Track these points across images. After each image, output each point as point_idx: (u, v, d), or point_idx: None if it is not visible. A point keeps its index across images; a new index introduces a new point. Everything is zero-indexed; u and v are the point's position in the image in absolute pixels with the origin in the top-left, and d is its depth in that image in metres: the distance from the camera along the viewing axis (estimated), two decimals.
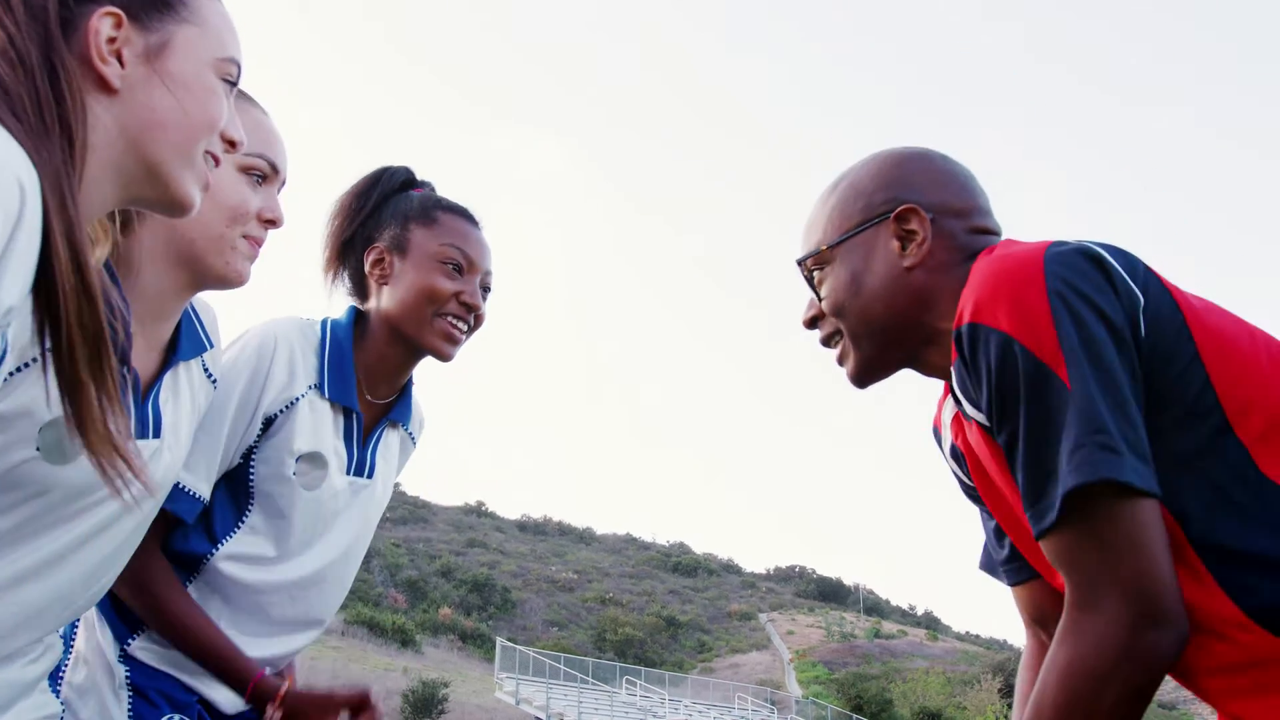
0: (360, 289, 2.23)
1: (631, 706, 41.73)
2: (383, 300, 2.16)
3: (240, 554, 2.04)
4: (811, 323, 1.77)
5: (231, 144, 1.40)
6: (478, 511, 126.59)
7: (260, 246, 1.81)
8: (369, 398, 2.19)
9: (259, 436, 2.04)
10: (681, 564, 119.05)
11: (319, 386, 2.09)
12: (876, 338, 1.68)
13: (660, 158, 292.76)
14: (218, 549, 2.03)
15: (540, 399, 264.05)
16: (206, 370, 1.92)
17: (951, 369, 1.48)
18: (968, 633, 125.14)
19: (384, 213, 2.22)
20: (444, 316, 2.13)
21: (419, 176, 2.31)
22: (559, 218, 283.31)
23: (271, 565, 2.07)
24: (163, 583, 1.99)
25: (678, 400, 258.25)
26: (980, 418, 1.45)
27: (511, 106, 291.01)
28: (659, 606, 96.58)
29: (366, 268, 2.19)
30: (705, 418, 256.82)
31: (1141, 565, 1.25)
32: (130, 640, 2.02)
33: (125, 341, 1.66)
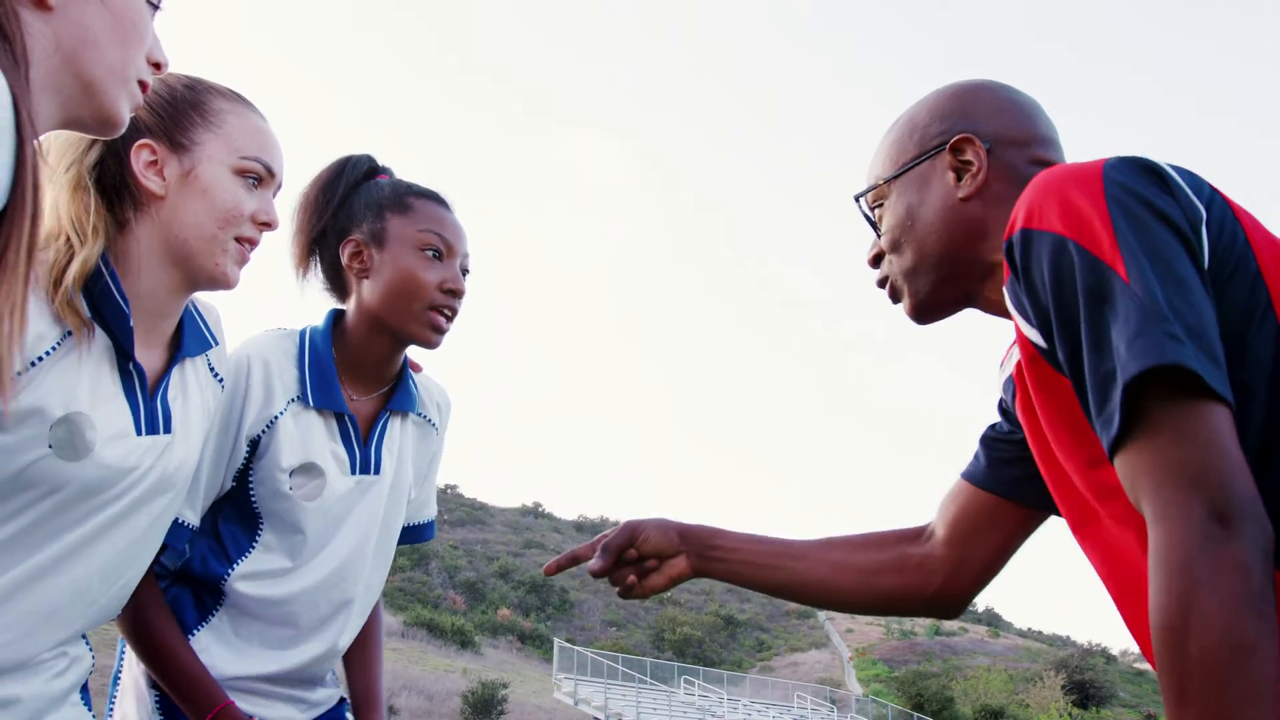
0: (337, 284, 2.21)
1: (690, 706, 41.66)
2: (364, 293, 2.13)
3: (256, 571, 2.06)
4: (875, 261, 1.73)
5: (157, 66, 1.38)
6: (535, 513, 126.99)
7: (254, 247, 1.81)
8: (357, 396, 2.18)
9: (248, 457, 2.05)
10: None
11: (301, 398, 2.09)
12: (933, 272, 1.63)
13: (719, 158, 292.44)
14: (233, 569, 2.05)
15: (595, 400, 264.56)
16: (213, 369, 1.94)
17: (1004, 289, 1.41)
18: (1030, 629, 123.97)
19: (354, 203, 2.18)
20: (430, 308, 2.10)
21: (380, 163, 2.28)
22: (615, 219, 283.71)
23: (288, 575, 2.08)
24: (143, 598, 1.97)
25: (734, 399, 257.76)
26: (1037, 336, 1.36)
27: (566, 108, 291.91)
28: (717, 605, 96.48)
29: (345, 261, 2.15)
30: (762, 416, 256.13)
31: (1210, 461, 1.15)
32: None
33: (126, 335, 1.69)
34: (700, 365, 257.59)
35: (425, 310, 2.10)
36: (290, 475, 2.06)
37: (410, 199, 2.16)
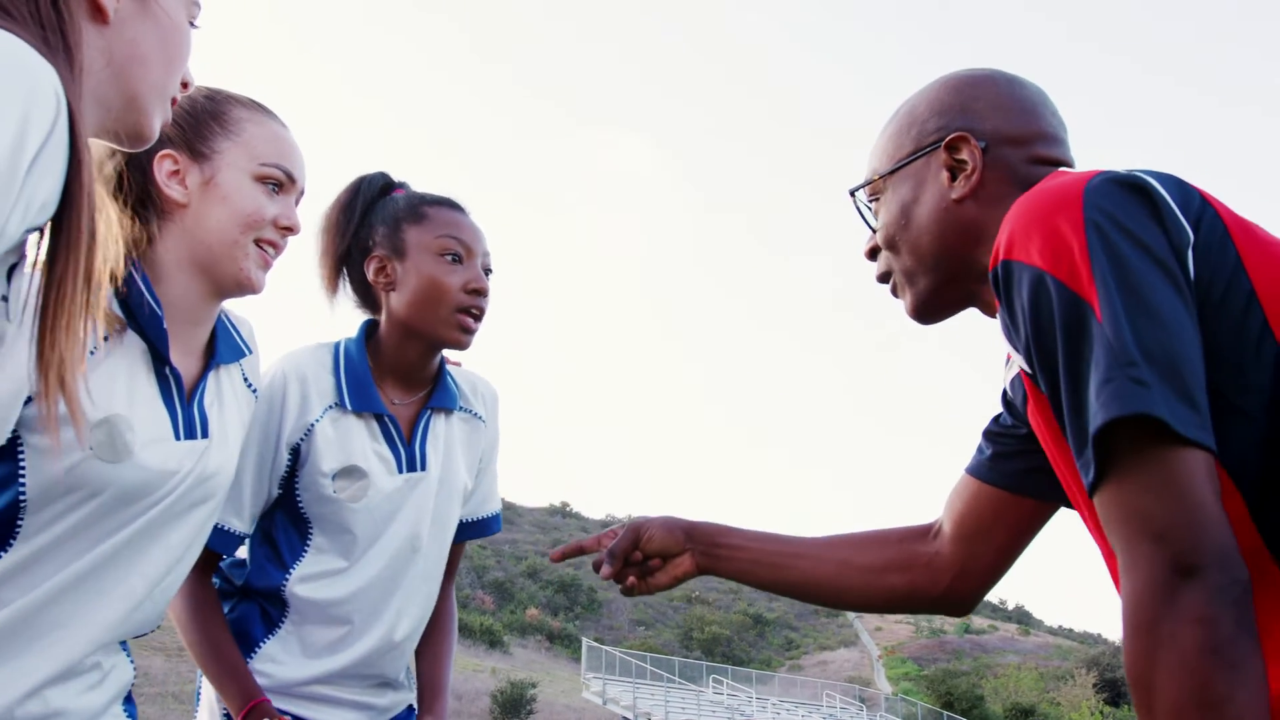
0: (367, 299, 2.27)
1: (719, 705, 41.64)
2: (392, 304, 2.19)
3: (312, 573, 2.14)
4: (872, 254, 1.70)
5: (184, 85, 1.41)
6: (562, 512, 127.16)
7: (277, 252, 1.85)
8: (399, 400, 2.24)
9: (290, 465, 2.12)
10: None
11: (339, 403, 2.15)
12: (930, 273, 1.59)
13: (748, 156, 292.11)
14: (290, 574, 2.13)
15: (623, 399, 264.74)
16: (246, 380, 1.98)
17: (997, 314, 1.39)
18: (1060, 627, 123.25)
19: (373, 220, 2.24)
20: (457, 310, 2.15)
21: (395, 178, 2.32)
22: (643, 217, 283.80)
23: (343, 575, 2.15)
24: (197, 595, 2.09)
25: (760, 398, 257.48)
26: (1024, 364, 1.34)
27: (596, 106, 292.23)
28: (745, 604, 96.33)
29: (370, 276, 2.21)
30: (788, 415, 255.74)
31: (1176, 513, 1.12)
32: None
33: (161, 339, 1.72)
34: (729, 363, 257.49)
35: (452, 313, 2.15)
36: (333, 479, 2.12)
37: (425, 208, 2.21)
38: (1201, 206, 1.30)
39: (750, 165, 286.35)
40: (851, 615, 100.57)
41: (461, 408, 2.34)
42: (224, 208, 1.77)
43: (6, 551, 1.56)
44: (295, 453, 2.12)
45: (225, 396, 1.89)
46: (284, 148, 1.85)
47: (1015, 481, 1.72)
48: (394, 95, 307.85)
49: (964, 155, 1.55)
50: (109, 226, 1.67)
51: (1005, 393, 1.76)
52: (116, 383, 1.65)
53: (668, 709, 36.82)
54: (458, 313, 2.15)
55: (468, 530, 2.42)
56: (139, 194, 1.75)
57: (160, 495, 1.70)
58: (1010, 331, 1.33)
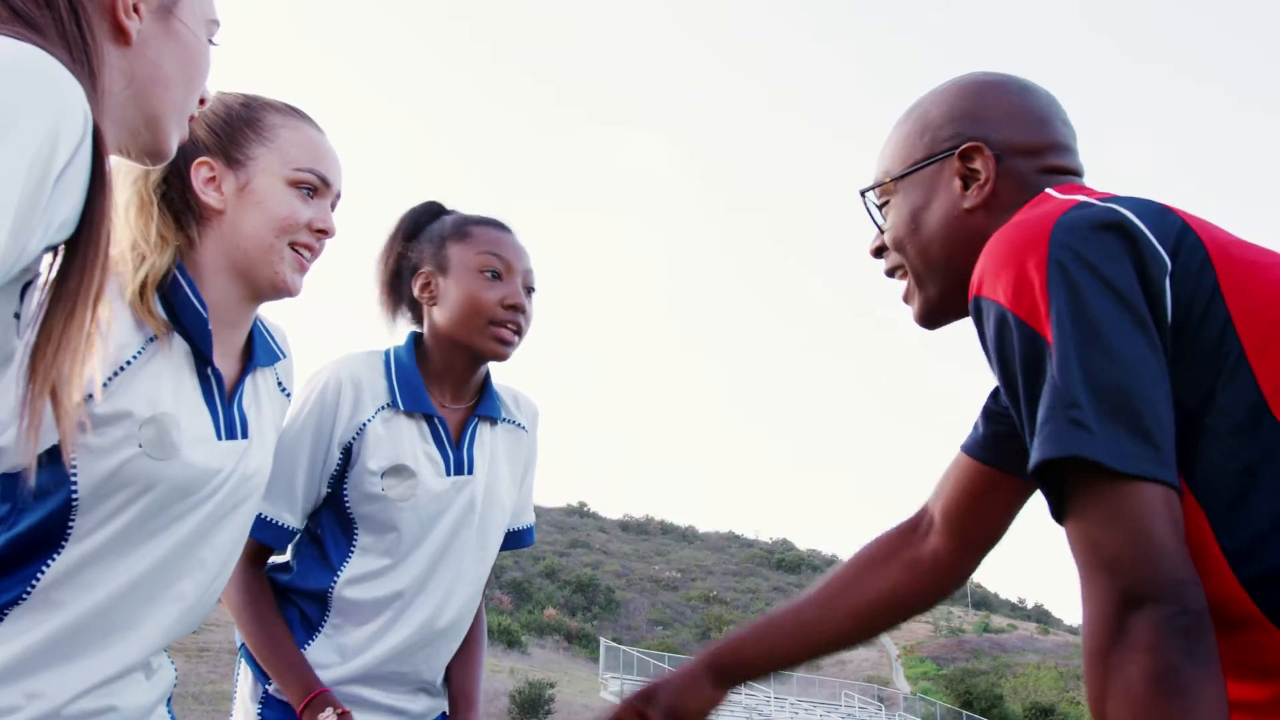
0: (417, 315, 2.34)
1: (737, 705, 41.66)
2: (435, 318, 2.27)
3: (359, 575, 2.20)
4: (877, 253, 1.70)
5: (202, 102, 1.44)
6: (580, 512, 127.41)
7: (313, 255, 1.88)
8: (446, 403, 2.30)
9: (341, 464, 2.19)
10: (785, 560, 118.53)
11: (392, 404, 2.22)
12: (938, 279, 1.59)
13: (767, 158, 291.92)
14: (338, 576, 2.19)
15: (641, 399, 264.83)
16: (280, 384, 2.02)
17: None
18: (1080, 626, 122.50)
19: (421, 240, 2.33)
20: (494, 323, 2.22)
21: (448, 206, 2.41)
22: (662, 219, 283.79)
23: (388, 574, 2.20)
24: (255, 589, 2.19)
25: (778, 397, 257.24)
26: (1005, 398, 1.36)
27: (615, 108, 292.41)
28: (763, 604, 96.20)
29: (416, 292, 2.29)
30: (806, 414, 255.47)
31: (1126, 541, 1.14)
32: (270, 682, 2.17)
33: (205, 340, 1.76)
34: (746, 364, 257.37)
35: (488, 326, 2.22)
36: (381, 477, 2.18)
37: (469, 226, 2.30)
38: (1181, 233, 1.29)
39: (768, 164, 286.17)
40: None
41: (505, 418, 2.41)
42: (259, 212, 1.80)
43: (60, 552, 1.59)
44: (346, 452, 2.18)
45: (262, 399, 1.93)
46: (318, 152, 1.88)
47: (1010, 461, 1.72)
48: (409, 96, 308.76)
49: (977, 165, 1.54)
50: (153, 231, 1.74)
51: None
52: (163, 382, 1.69)
53: None
54: (492, 325, 2.21)
55: (504, 541, 2.46)
56: (179, 200, 1.79)
57: (206, 494, 1.73)
58: (989, 359, 1.35)
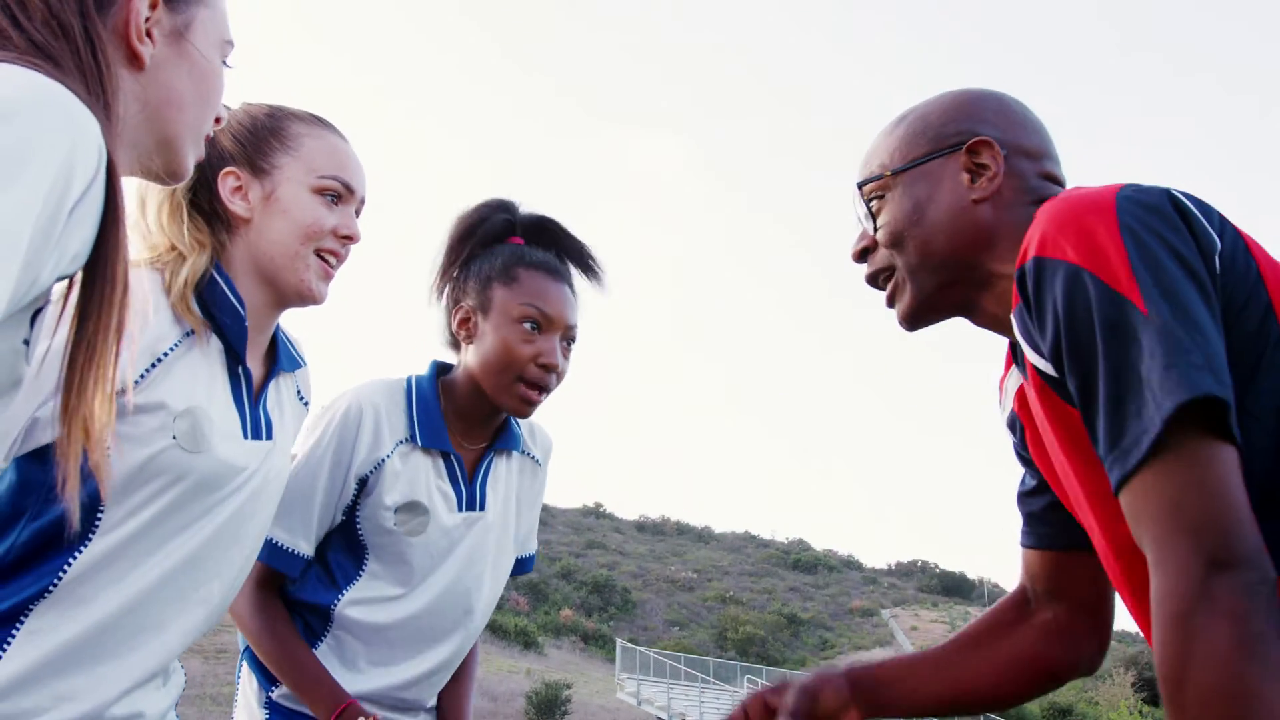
0: (452, 342, 2.32)
1: None
2: (468, 357, 2.24)
3: (365, 598, 2.19)
4: (862, 255, 1.69)
5: (218, 121, 1.47)
6: (596, 513, 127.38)
7: (339, 261, 1.91)
8: (464, 442, 2.29)
9: (356, 495, 2.17)
10: (801, 561, 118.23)
11: (410, 439, 2.21)
12: (934, 273, 1.59)
13: (777, 154, 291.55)
14: (341, 596, 2.18)
15: (656, 399, 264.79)
16: (299, 392, 2.06)
17: (1013, 316, 1.39)
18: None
19: (471, 269, 2.27)
20: (520, 380, 2.17)
21: (522, 212, 2.34)
22: (678, 218, 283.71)
23: (395, 602, 2.20)
24: (273, 609, 2.18)
25: (793, 397, 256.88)
26: (1047, 366, 1.34)
27: (630, 107, 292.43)
28: (780, 604, 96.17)
29: (454, 326, 2.26)
30: (821, 413, 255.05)
31: (1214, 509, 1.14)
32: (273, 687, 2.19)
33: (240, 338, 1.80)
34: (761, 364, 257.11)
35: (515, 382, 2.18)
36: (395, 513, 2.17)
37: (519, 270, 2.23)
38: (1222, 220, 1.34)
39: (784, 163, 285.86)
40: (886, 614, 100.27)
41: (522, 451, 2.40)
42: (284, 220, 1.84)
43: (87, 544, 1.60)
44: (362, 483, 2.17)
45: (284, 403, 1.97)
46: (341, 159, 1.91)
47: (1063, 539, 1.71)
48: (422, 94, 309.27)
49: (985, 159, 1.57)
50: (186, 234, 1.78)
51: (1016, 447, 1.75)
52: (197, 377, 1.73)
53: (702, 709, 36.79)
54: (521, 383, 2.17)
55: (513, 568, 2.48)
56: (208, 207, 1.83)
57: (230, 491, 1.76)
58: (1034, 331, 1.34)
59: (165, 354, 1.70)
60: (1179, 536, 1.15)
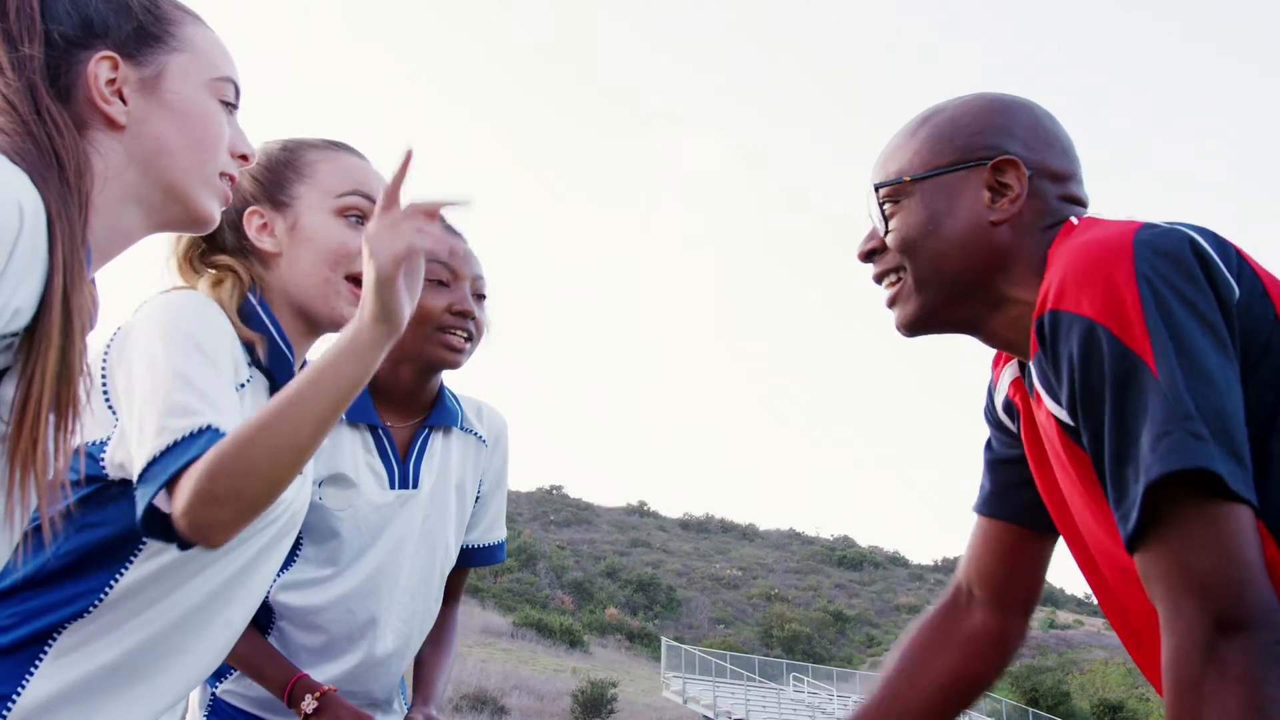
0: None
1: (799, 704, 41.51)
2: None
3: (296, 581, 2.17)
4: (869, 255, 1.66)
5: (244, 158, 1.49)
6: (640, 511, 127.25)
7: None
8: (396, 423, 2.27)
9: None
10: (847, 557, 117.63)
11: None
12: (945, 288, 1.56)
13: (823, 156, 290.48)
14: (275, 580, 2.14)
15: (699, 396, 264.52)
16: None
17: (1032, 364, 1.40)
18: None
19: None
20: (442, 330, 2.19)
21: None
22: (720, 216, 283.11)
23: (325, 584, 2.18)
24: None
25: (837, 394, 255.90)
26: (1063, 415, 1.35)
27: (672, 105, 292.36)
28: (825, 601, 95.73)
29: None
30: (866, 410, 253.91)
31: (1222, 569, 1.13)
32: (217, 683, 2.19)
33: (283, 372, 1.81)
34: (804, 361, 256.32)
35: (435, 332, 2.18)
36: (320, 486, 2.15)
37: None
38: (1239, 263, 1.33)
39: (828, 163, 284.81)
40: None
41: (462, 427, 2.37)
42: (310, 248, 1.84)
43: (129, 567, 1.62)
44: None
45: None
46: (359, 175, 1.91)
47: (1030, 513, 1.70)
48: (466, 98, 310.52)
49: (1009, 179, 1.54)
50: (219, 264, 1.81)
51: (991, 411, 1.74)
52: (251, 410, 1.74)
53: (748, 707, 36.78)
54: (439, 331, 2.18)
55: (470, 557, 2.45)
56: (240, 249, 1.86)
57: (267, 520, 1.76)
58: (1051, 380, 1.34)
59: (244, 384, 1.73)
60: (1185, 598, 1.14)
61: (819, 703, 42.28)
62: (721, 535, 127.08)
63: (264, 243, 1.84)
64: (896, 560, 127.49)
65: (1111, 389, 1.23)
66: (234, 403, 1.60)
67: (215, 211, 1.43)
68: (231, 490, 1.43)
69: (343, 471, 2.18)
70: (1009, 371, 1.68)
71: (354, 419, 2.21)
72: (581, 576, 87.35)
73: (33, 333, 1.07)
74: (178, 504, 1.44)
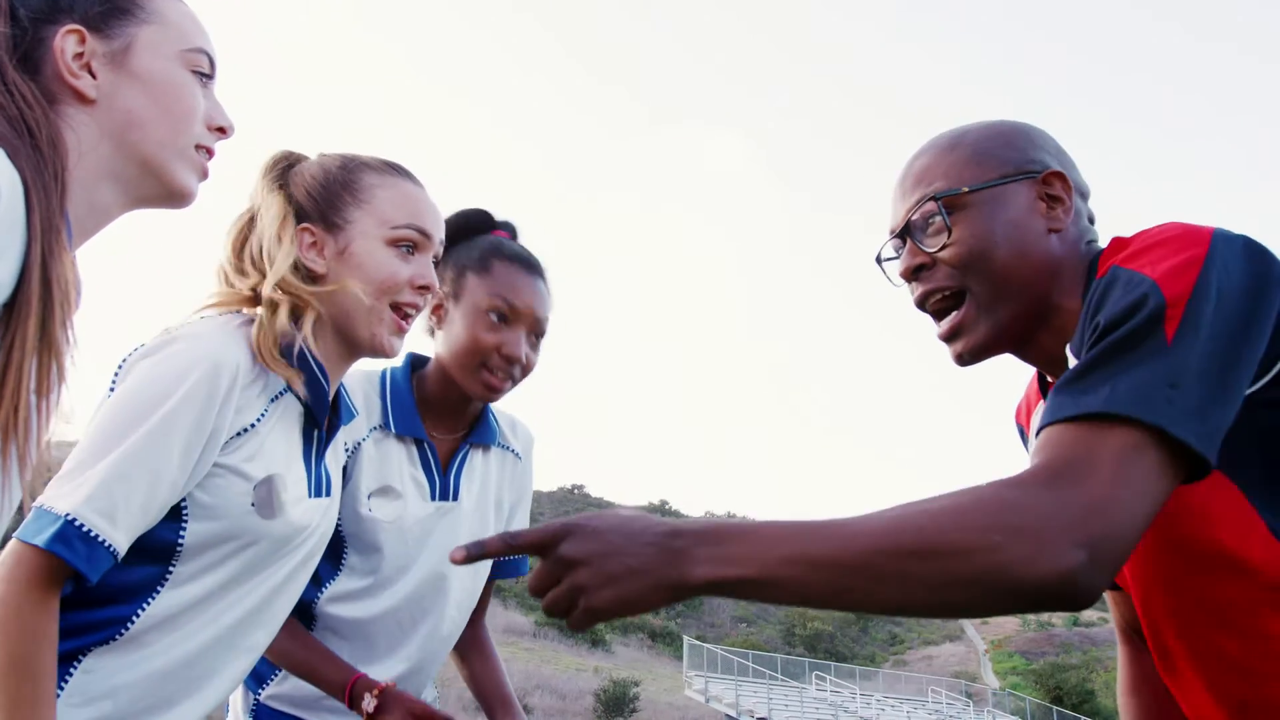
0: (428, 327, 2.31)
1: (822, 702, 41.37)
2: (438, 344, 2.24)
3: (341, 593, 2.17)
4: (915, 271, 1.61)
5: (221, 130, 1.46)
6: (662, 510, 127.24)
7: (416, 311, 1.89)
8: (439, 435, 2.28)
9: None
10: None
11: (384, 425, 2.21)
12: (1010, 303, 1.54)
13: (843, 153, 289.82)
14: (322, 592, 2.16)
15: (721, 395, 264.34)
16: (345, 444, 2.08)
17: (1069, 346, 1.40)
18: None
19: (450, 257, 2.26)
20: (485, 368, 2.17)
21: (499, 218, 2.35)
22: (741, 215, 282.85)
23: (369, 596, 2.18)
24: None
25: (858, 392, 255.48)
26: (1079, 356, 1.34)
27: (686, 104, 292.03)
28: None
29: (426, 312, 2.25)
30: (887, 408, 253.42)
31: (1135, 508, 1.14)
32: (260, 689, 2.19)
33: (321, 406, 1.82)
34: (825, 359, 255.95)
35: (479, 370, 2.17)
36: (369, 497, 2.17)
37: (493, 261, 2.23)
38: None
39: (849, 162, 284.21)
40: None
41: (500, 444, 2.39)
42: (360, 275, 1.82)
43: (156, 595, 1.64)
44: (342, 471, 2.15)
45: (339, 455, 1.99)
46: (415, 207, 1.89)
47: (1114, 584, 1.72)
48: (485, 97, 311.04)
49: (1058, 192, 1.56)
50: (282, 289, 1.78)
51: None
52: (278, 442, 1.75)
53: (770, 706, 36.69)
54: (484, 370, 2.17)
55: (497, 569, 2.46)
56: (291, 264, 1.83)
57: (294, 548, 1.78)
58: (1084, 338, 1.34)
59: (253, 424, 1.70)
60: (1076, 486, 1.14)
61: (842, 701, 42.14)
62: None
63: (312, 262, 1.83)
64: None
65: (1126, 334, 1.24)
66: (147, 501, 1.57)
67: (192, 185, 1.41)
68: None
69: (390, 484, 2.20)
70: (1038, 419, 1.68)
71: (403, 432, 2.22)
72: None
73: (13, 305, 1.06)
74: (4, 563, 1.49)
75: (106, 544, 1.51)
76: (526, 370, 2.23)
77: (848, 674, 50.65)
